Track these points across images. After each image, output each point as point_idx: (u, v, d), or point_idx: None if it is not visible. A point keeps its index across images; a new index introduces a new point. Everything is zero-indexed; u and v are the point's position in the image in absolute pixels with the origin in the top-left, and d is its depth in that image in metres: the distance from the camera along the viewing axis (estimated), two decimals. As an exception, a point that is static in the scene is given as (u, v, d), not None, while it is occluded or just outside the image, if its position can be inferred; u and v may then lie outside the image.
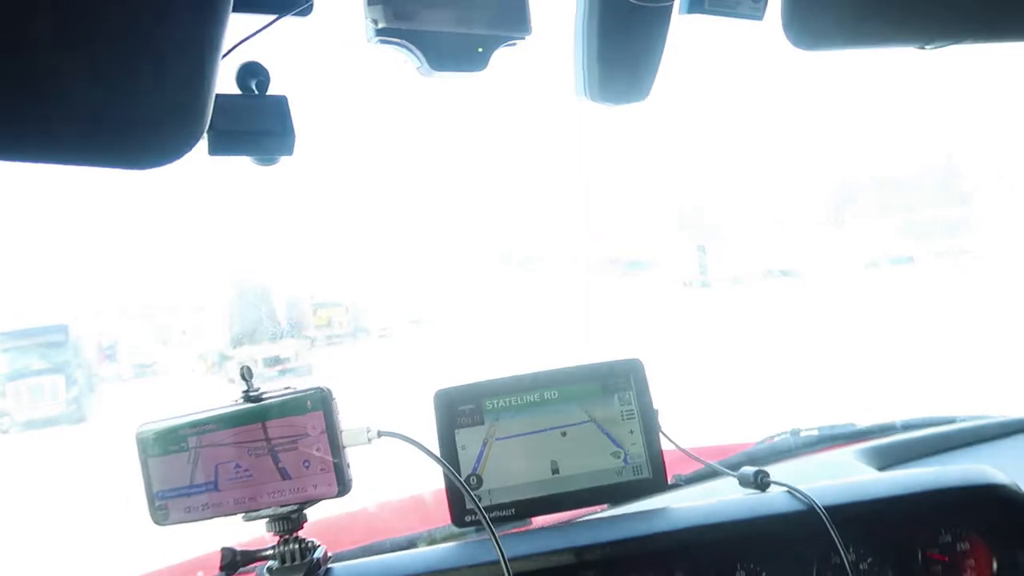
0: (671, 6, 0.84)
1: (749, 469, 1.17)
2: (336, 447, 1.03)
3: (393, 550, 1.26)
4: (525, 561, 1.03)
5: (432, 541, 1.29)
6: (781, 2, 0.78)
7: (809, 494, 1.08)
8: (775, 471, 1.20)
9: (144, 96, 0.52)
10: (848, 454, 1.55)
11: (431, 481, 1.30)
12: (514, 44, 0.86)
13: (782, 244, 14.02)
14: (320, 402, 1.04)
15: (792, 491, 1.11)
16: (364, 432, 1.05)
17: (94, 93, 0.50)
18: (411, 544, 1.30)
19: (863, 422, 1.80)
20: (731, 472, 1.20)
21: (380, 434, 1.06)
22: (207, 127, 0.59)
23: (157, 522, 1.06)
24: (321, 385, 1.04)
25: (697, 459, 1.26)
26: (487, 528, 0.97)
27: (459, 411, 1.13)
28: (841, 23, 0.76)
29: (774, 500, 1.11)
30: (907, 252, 13.20)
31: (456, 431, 1.12)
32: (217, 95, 0.74)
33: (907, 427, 1.76)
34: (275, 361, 20.53)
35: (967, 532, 1.08)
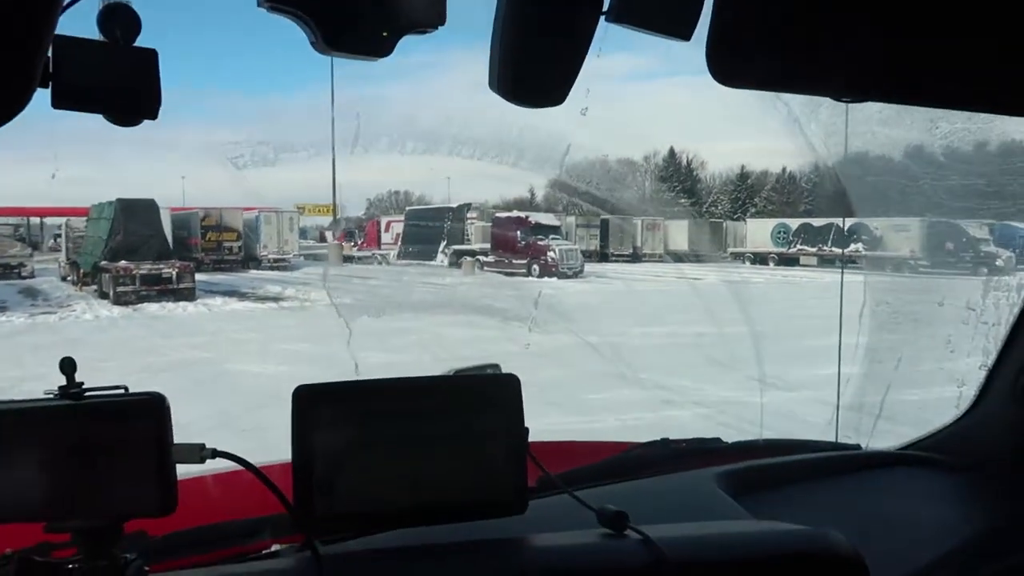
0: (600, 9, 0.80)
1: (610, 508, 1.16)
2: (164, 462, 0.94)
3: (206, 543, 1.18)
4: None
5: (249, 533, 1.20)
6: (708, 33, 0.75)
7: (662, 547, 1.09)
8: (637, 489, 1.20)
9: None
10: (709, 478, 1.57)
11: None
12: (424, 32, 0.78)
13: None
14: (151, 411, 0.94)
15: (646, 540, 1.11)
16: (197, 450, 0.97)
17: None
18: (224, 537, 1.20)
19: (729, 437, 1.85)
20: (591, 507, 1.19)
21: (215, 454, 0.98)
22: (39, 83, 0.50)
23: None
24: (154, 391, 0.95)
25: (562, 487, 1.25)
26: (313, 548, 0.92)
27: (321, 411, 1.05)
28: (765, 66, 0.75)
29: (629, 547, 1.12)
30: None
31: (314, 432, 1.04)
32: (68, 39, 0.64)
33: (770, 448, 1.81)
34: (154, 279, 19.94)
35: None
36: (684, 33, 0.79)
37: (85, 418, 0.94)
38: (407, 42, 0.78)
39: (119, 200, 22.04)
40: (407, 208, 42.68)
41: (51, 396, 0.95)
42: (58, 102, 0.68)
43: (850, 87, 0.78)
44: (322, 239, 62.43)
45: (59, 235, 34.35)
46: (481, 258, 30.91)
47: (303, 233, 48.83)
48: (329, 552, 1.06)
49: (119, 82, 0.71)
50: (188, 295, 20.05)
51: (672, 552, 1.08)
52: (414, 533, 1.10)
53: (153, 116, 0.75)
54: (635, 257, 41.28)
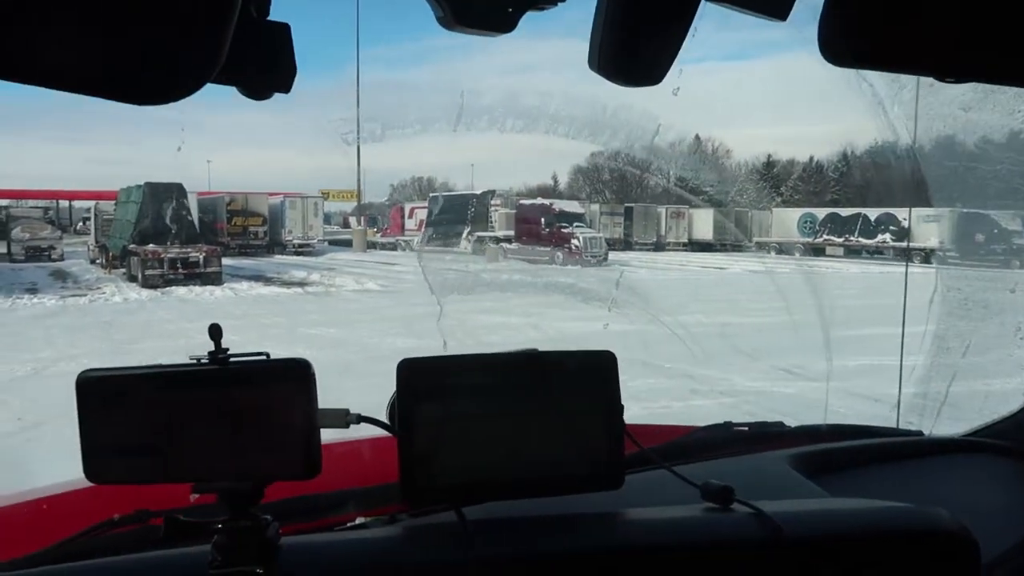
0: None
1: (714, 483, 1.15)
2: (310, 426, 0.96)
3: (332, 508, 1.22)
4: (490, 560, 1.01)
5: (369, 502, 1.24)
6: (821, 13, 0.75)
7: (775, 519, 1.08)
8: (711, 469, 1.20)
9: (158, 23, 0.46)
10: (782, 460, 1.56)
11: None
12: (544, 9, 0.78)
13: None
14: (297, 375, 0.96)
15: (758, 514, 1.10)
16: (343, 414, 0.99)
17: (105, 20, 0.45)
18: (350, 502, 1.24)
19: (791, 422, 1.84)
20: (694, 483, 1.18)
21: (360, 419, 1.01)
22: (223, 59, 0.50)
23: (92, 478, 0.97)
24: (300, 357, 0.97)
25: (660, 463, 1.25)
26: (450, 510, 0.95)
27: (424, 384, 1.07)
28: (874, 44, 0.75)
29: (738, 521, 1.11)
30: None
31: (417, 404, 1.06)
32: None
33: (835, 433, 1.80)
34: (182, 263, 20.18)
35: (922, 575, 1.10)
36: (781, 13, 0.79)
37: (234, 382, 0.96)
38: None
39: (147, 184, 22.25)
40: (430, 195, 42.69)
41: (197, 360, 0.97)
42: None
43: (955, 66, 0.76)
44: (346, 224, 62.69)
45: (88, 218, 34.82)
46: (505, 245, 30.90)
47: (327, 219, 49.12)
48: (423, 523, 1.09)
49: (255, 56, 0.71)
50: (215, 279, 20.27)
51: (787, 526, 1.07)
52: (508, 506, 1.12)
53: (287, 89, 0.76)
54: (659, 246, 41.06)
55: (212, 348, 0.97)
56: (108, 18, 0.46)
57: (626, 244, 40.21)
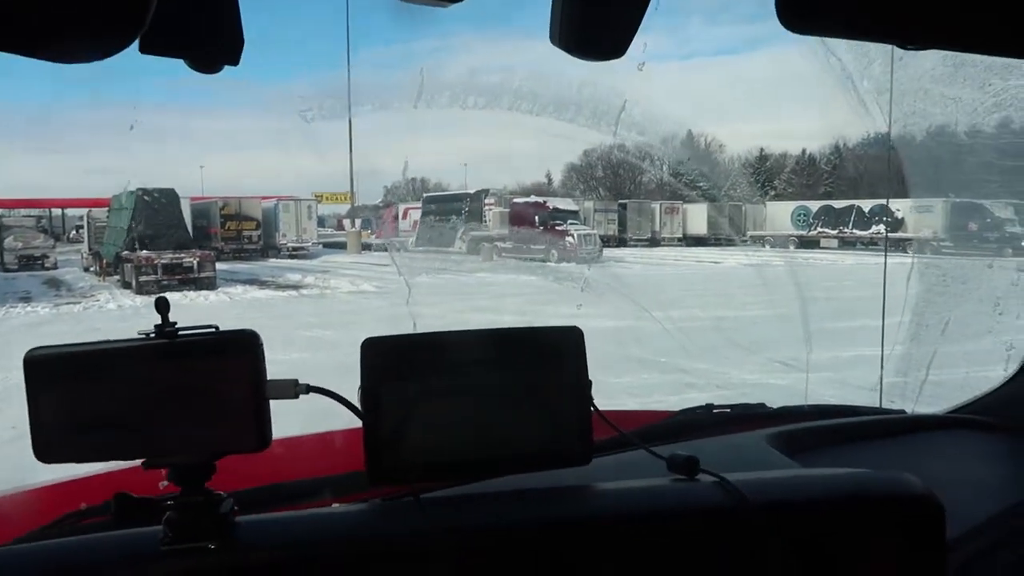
0: None
1: (680, 454, 1.15)
2: (259, 397, 0.95)
3: (297, 496, 1.21)
4: (448, 532, 1.00)
5: (338, 490, 1.23)
6: None
7: (739, 487, 1.08)
8: (688, 448, 1.21)
9: None
10: (760, 438, 1.55)
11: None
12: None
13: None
14: (245, 347, 0.96)
15: (722, 482, 1.10)
16: (291, 386, 0.98)
17: None
18: (316, 490, 1.23)
19: (774, 404, 1.84)
20: (661, 455, 1.17)
21: (309, 389, 1.00)
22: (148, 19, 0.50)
23: (41, 458, 0.96)
24: (247, 328, 0.96)
25: (628, 438, 1.25)
26: (411, 494, 0.94)
27: (388, 363, 1.05)
28: (833, 10, 0.74)
29: (703, 490, 1.10)
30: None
31: (382, 384, 1.05)
32: None
33: (817, 412, 1.79)
34: (176, 269, 20.14)
35: (887, 539, 1.09)
36: None
37: (181, 356, 0.95)
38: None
39: (139, 190, 22.19)
40: (424, 195, 42.68)
41: (145, 336, 0.96)
42: (145, 47, 0.66)
43: (917, 33, 0.76)
44: (340, 227, 62.65)
45: (81, 226, 34.75)
46: (499, 244, 30.88)
47: (321, 221, 49.03)
48: (387, 503, 1.08)
49: (200, 26, 0.69)
50: (209, 284, 20.25)
51: (752, 494, 1.07)
52: (475, 485, 1.11)
53: (235, 62, 0.74)
54: (653, 242, 41.07)
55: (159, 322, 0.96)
56: None
57: (620, 241, 40.20)
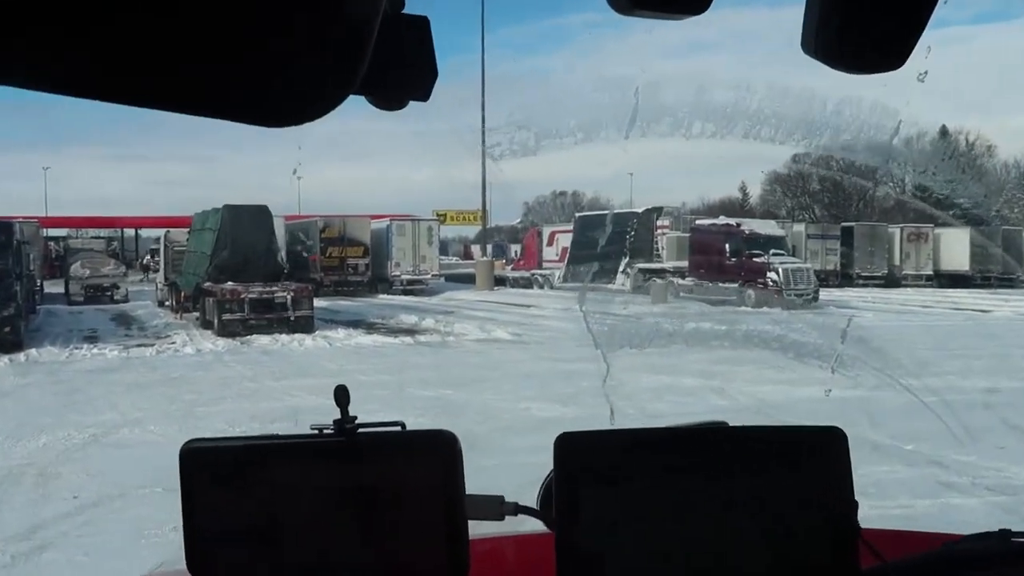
0: None
1: None
2: (456, 515, 0.98)
3: None
4: None
5: None
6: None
7: None
8: None
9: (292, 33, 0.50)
10: None
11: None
12: None
13: None
14: (440, 450, 0.99)
15: None
16: (496, 504, 1.02)
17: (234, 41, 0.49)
18: None
19: None
20: None
21: (518, 510, 1.03)
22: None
23: (195, 572, 1.02)
24: (443, 428, 1.00)
25: None
26: None
27: (587, 465, 1.07)
28: None
29: None
30: None
31: (580, 488, 1.06)
32: None
33: None
34: (266, 306, 21.27)
35: None
36: None
37: (364, 458, 1.01)
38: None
39: (226, 207, 23.42)
40: (576, 215, 43.13)
41: (319, 431, 1.02)
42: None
43: None
44: (466, 255, 64.35)
45: (156, 249, 37.53)
46: (676, 280, 30.65)
47: (443, 247, 50.61)
48: None
49: (389, 58, 0.73)
50: (305, 325, 21.23)
51: None
52: None
53: (425, 96, 0.77)
54: (891, 280, 39.44)
55: (337, 416, 1.01)
56: (232, 33, 0.49)
57: (844, 277, 38.90)
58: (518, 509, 1.03)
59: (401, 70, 0.75)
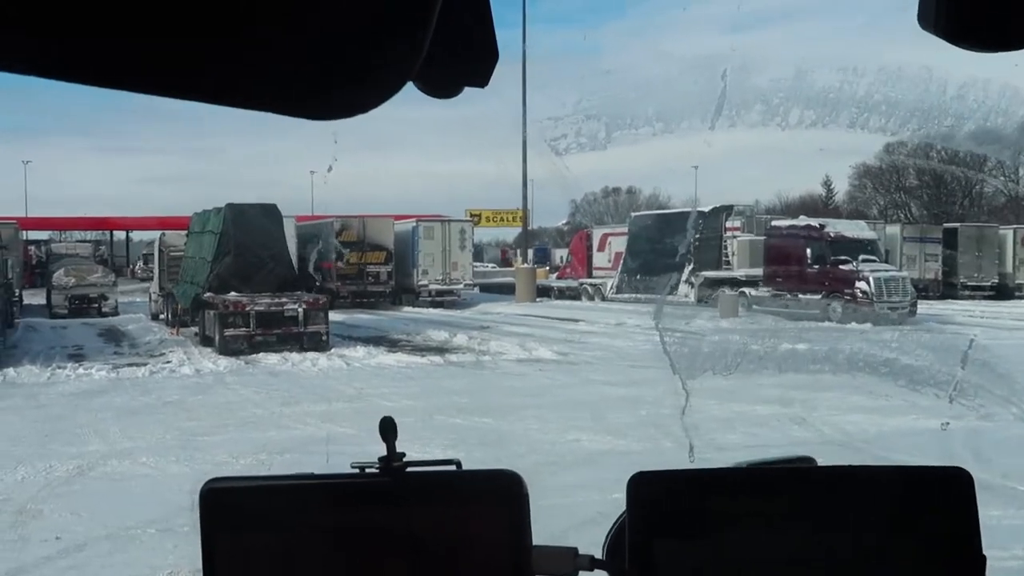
0: None
1: None
2: (523, 570, 0.99)
3: None
4: None
5: None
6: None
7: None
8: None
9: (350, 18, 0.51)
10: None
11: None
12: None
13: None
14: (503, 494, 1.00)
15: None
16: (570, 557, 1.01)
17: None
18: None
19: None
20: None
21: (593, 564, 1.03)
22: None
23: None
24: (506, 469, 1.01)
25: None
26: None
27: (665, 510, 1.07)
28: None
29: None
30: None
31: (655, 540, 1.06)
32: None
33: None
34: (274, 320, 21.41)
35: None
36: None
37: (413, 501, 1.01)
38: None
39: (228, 207, 23.47)
40: (632, 214, 43.06)
41: (361, 469, 1.03)
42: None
43: None
44: (504, 261, 64.42)
45: (150, 254, 37.94)
46: (749, 291, 30.47)
47: (477, 252, 50.69)
48: None
49: (446, 40, 0.72)
50: (319, 342, 21.36)
51: None
52: None
53: (484, 82, 0.77)
54: (1002, 290, 38.92)
55: (384, 453, 1.02)
56: (275, 12, 0.50)
57: (946, 287, 38.46)
58: (593, 563, 1.03)
59: (458, 52, 0.74)
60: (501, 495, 0.98)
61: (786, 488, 1.09)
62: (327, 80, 0.52)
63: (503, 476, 0.98)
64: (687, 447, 4.62)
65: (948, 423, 7.86)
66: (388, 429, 1.01)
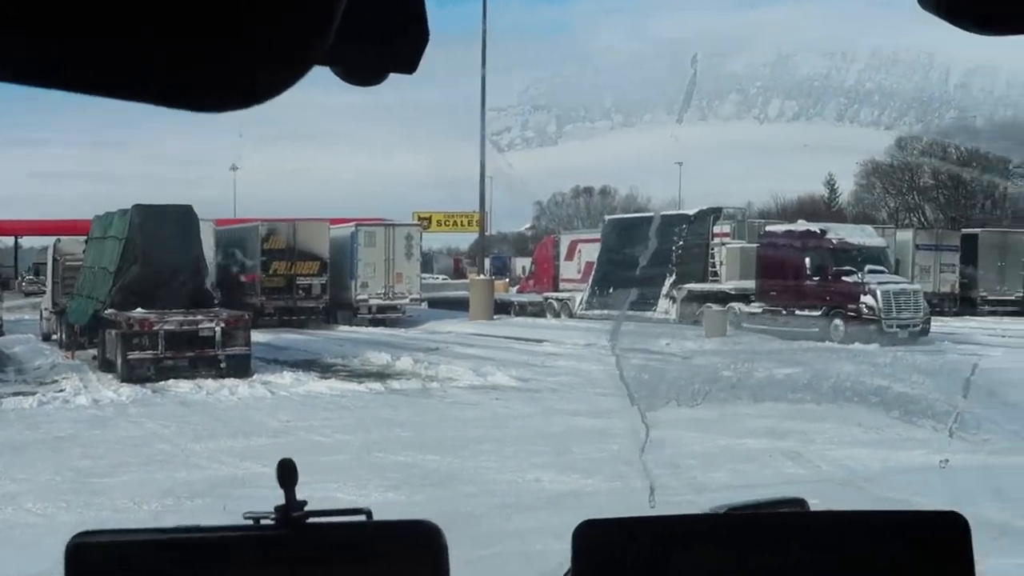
0: None
1: None
2: None
3: None
4: None
5: None
6: None
7: None
8: None
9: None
10: None
11: None
12: None
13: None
14: (421, 548, 1.01)
15: None
16: None
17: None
18: None
19: None
20: None
21: None
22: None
23: None
24: (424, 520, 1.03)
25: None
26: None
27: (617, 563, 1.08)
28: None
29: None
30: None
31: None
32: None
33: None
34: (187, 340, 21.24)
35: None
36: None
37: (314, 556, 1.02)
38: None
39: (135, 208, 23.19)
40: (606, 217, 43.14)
41: (255, 520, 1.04)
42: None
43: None
44: (458, 272, 64.18)
45: (42, 264, 37.46)
46: (739, 307, 30.61)
47: (426, 262, 50.54)
48: None
49: (362, 17, 0.72)
50: (239, 367, 21.21)
51: None
52: None
53: (412, 67, 0.78)
54: (1027, 306, 39.35)
55: (281, 502, 1.04)
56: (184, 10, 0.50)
57: (964, 302, 38.83)
58: None
59: (379, 34, 0.75)
60: (416, 549, 0.98)
61: (764, 534, 1.10)
62: (214, 67, 0.52)
63: (419, 527, 0.99)
64: (665, 486, 4.64)
65: (947, 460, 7.96)
66: (286, 473, 1.02)
